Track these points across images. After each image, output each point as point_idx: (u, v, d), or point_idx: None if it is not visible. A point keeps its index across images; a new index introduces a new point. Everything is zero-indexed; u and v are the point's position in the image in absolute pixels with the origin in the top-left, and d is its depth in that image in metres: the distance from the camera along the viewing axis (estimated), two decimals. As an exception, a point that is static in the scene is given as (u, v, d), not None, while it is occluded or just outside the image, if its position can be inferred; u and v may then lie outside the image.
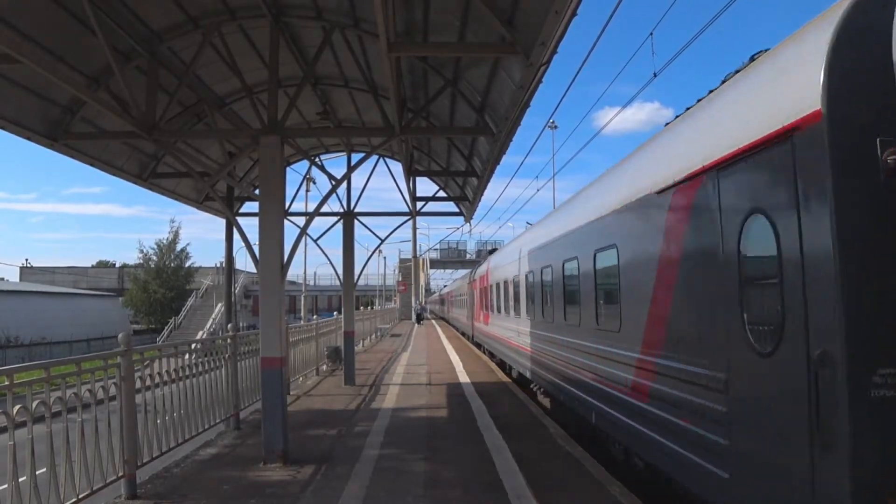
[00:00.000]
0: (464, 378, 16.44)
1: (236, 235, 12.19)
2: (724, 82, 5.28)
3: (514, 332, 15.30)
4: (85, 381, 6.13)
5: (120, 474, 6.49)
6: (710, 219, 4.85)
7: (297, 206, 42.01)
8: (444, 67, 8.95)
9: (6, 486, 5.05)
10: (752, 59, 4.27)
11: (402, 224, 16.29)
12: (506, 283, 16.60)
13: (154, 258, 63.84)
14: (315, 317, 19.71)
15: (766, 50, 4.07)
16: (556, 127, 42.17)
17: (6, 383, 5.13)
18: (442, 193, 16.27)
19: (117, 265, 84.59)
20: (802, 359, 3.65)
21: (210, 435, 9.28)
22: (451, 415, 11.21)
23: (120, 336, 6.83)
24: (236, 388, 10.06)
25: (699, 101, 5.79)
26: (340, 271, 15.90)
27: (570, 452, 8.22)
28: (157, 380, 7.66)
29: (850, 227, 3.45)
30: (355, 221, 15.85)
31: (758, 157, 4.14)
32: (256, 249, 8.30)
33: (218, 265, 65.36)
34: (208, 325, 53.92)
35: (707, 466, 4.91)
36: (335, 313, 27.61)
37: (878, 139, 3.38)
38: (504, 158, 10.40)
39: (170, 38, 8.66)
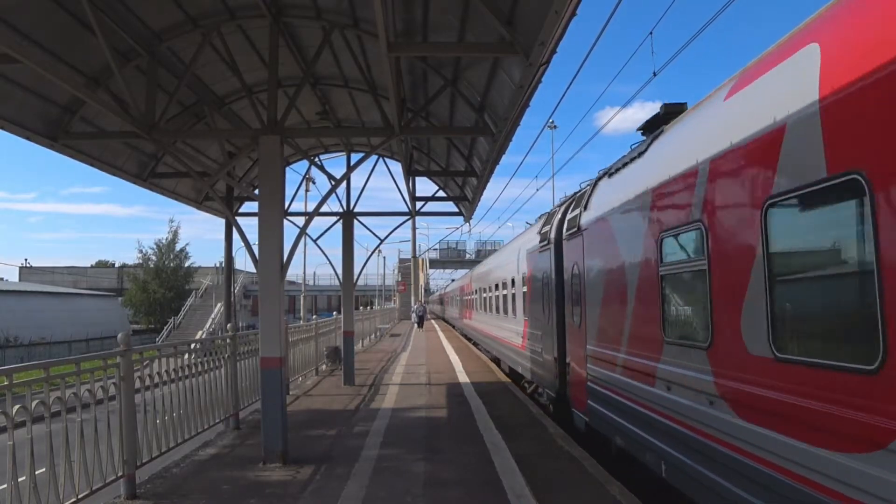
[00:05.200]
0: (463, 378, 16.45)
1: (236, 235, 12.19)
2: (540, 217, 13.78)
3: (479, 322, 24.85)
4: (84, 381, 6.12)
5: (119, 474, 6.49)
6: (541, 269, 11.59)
7: (297, 206, 42.04)
8: (443, 67, 8.96)
9: (5, 486, 5.05)
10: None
11: (401, 224, 16.33)
12: (475, 292, 26.79)
13: (153, 258, 63.81)
14: (314, 317, 19.69)
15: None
16: (555, 127, 42.37)
17: (5, 383, 5.13)
18: (441, 193, 16.28)
19: (117, 265, 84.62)
20: (554, 321, 10.50)
21: (209, 435, 9.29)
22: (451, 415, 11.22)
23: (119, 336, 6.82)
24: (236, 388, 10.07)
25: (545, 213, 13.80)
26: (340, 271, 15.90)
27: (570, 452, 8.23)
28: (157, 380, 7.66)
29: (562, 277, 10.10)
30: (355, 221, 15.85)
31: (544, 251, 11.24)
32: (256, 249, 8.31)
33: (217, 265, 65.29)
34: (208, 325, 53.85)
35: (542, 371, 11.69)
36: (334, 313, 27.62)
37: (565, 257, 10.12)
38: (504, 158, 10.46)
39: (169, 38, 8.66)
